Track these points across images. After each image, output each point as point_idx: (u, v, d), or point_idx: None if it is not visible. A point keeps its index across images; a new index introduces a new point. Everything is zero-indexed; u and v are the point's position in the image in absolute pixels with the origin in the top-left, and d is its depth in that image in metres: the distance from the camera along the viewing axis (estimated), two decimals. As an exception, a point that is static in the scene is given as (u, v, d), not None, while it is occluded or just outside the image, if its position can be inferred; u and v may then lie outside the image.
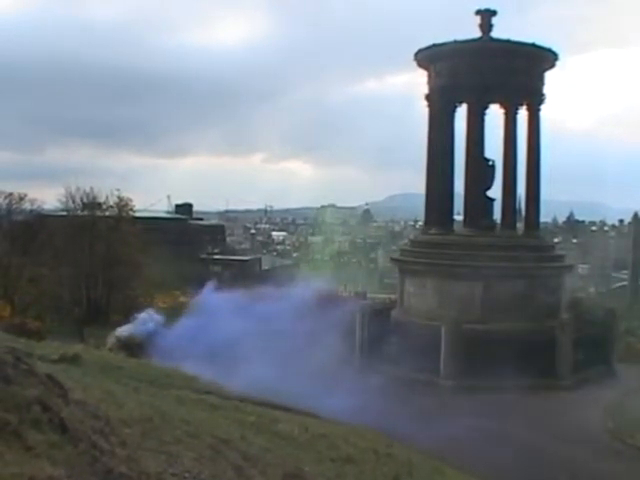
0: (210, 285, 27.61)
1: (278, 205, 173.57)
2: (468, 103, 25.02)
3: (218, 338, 21.03)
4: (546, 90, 25.66)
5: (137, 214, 46.64)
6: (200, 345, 20.78)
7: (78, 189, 41.62)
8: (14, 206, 44.11)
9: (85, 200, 41.78)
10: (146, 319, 26.29)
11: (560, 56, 25.17)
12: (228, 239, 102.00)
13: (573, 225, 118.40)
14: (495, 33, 24.91)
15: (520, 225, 26.57)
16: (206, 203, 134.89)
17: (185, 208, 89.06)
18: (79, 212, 41.76)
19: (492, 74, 23.95)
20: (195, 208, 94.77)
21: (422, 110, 26.42)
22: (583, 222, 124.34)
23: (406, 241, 30.31)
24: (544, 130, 25.83)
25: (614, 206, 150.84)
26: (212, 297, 26.06)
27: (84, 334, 27.31)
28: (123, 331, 25.65)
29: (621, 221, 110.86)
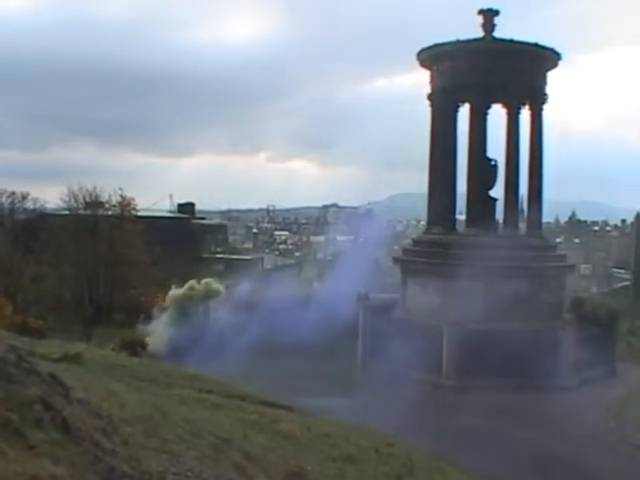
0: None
1: (281, 204, 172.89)
2: (470, 103, 25.01)
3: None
4: (549, 90, 25.69)
5: (139, 213, 46.69)
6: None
7: (81, 188, 41.73)
8: (17, 205, 44.34)
9: (88, 199, 41.84)
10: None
11: (570, 55, 25.37)
12: (230, 238, 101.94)
13: (575, 225, 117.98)
14: (506, 32, 24.83)
15: (522, 225, 26.54)
16: (208, 202, 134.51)
17: (187, 207, 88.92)
18: (81, 211, 41.83)
19: (494, 74, 23.95)
20: (197, 207, 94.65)
21: (426, 110, 26.45)
22: (585, 222, 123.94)
23: (408, 241, 30.23)
24: (549, 130, 25.87)
25: (617, 206, 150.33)
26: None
27: (91, 334, 27.14)
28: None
29: (623, 221, 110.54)
